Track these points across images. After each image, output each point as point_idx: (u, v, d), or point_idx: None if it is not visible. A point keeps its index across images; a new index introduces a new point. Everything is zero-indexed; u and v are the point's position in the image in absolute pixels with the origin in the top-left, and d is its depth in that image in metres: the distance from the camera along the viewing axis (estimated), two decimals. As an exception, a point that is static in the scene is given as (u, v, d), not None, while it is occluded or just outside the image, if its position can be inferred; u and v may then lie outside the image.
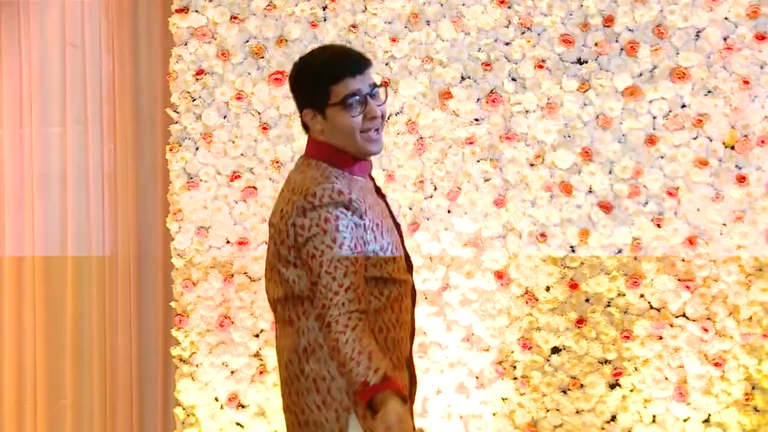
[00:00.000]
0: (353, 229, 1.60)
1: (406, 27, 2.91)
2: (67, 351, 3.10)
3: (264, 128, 2.97)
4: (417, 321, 1.85)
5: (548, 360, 2.87)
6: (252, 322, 2.96)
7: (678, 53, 2.82)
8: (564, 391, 2.86)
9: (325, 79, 1.62)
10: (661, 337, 2.83)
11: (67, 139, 3.08)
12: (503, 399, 2.88)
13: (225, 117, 2.98)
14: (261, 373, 2.95)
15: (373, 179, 1.76)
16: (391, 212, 1.77)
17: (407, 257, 1.76)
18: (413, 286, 1.77)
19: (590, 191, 2.86)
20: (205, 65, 2.97)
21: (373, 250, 1.65)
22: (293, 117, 2.92)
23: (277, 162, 2.97)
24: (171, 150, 2.98)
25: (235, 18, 2.95)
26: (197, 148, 2.98)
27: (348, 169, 1.67)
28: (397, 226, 1.75)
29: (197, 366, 2.95)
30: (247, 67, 2.96)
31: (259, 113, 2.97)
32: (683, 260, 2.82)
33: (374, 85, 1.67)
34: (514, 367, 2.88)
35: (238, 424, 2.93)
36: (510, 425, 2.87)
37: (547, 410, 2.86)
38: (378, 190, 1.76)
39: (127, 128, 3.08)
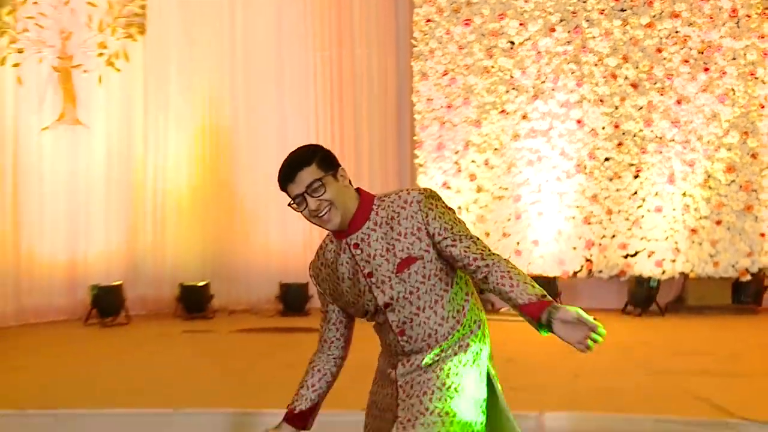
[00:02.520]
0: (319, 293, 2.17)
1: (532, -5, 5.72)
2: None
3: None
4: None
5: (603, 164, 5.69)
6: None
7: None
8: (610, 179, 5.68)
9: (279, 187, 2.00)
10: (661, 152, 5.57)
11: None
12: (579, 184, 5.75)
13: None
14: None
15: (355, 238, 2.03)
16: (361, 267, 2.04)
17: (383, 302, 2.02)
18: (390, 322, 2.04)
19: (626, 77, 5.61)
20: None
21: (340, 305, 2.13)
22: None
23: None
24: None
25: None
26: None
27: (332, 233, 2.07)
28: (369, 275, 2.03)
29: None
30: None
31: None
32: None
33: (311, 185, 1.95)
34: (585, 167, 5.73)
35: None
36: (582, 197, 5.74)
37: (602, 189, 5.70)
38: (356, 245, 2.03)
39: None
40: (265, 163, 5.64)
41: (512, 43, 5.76)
